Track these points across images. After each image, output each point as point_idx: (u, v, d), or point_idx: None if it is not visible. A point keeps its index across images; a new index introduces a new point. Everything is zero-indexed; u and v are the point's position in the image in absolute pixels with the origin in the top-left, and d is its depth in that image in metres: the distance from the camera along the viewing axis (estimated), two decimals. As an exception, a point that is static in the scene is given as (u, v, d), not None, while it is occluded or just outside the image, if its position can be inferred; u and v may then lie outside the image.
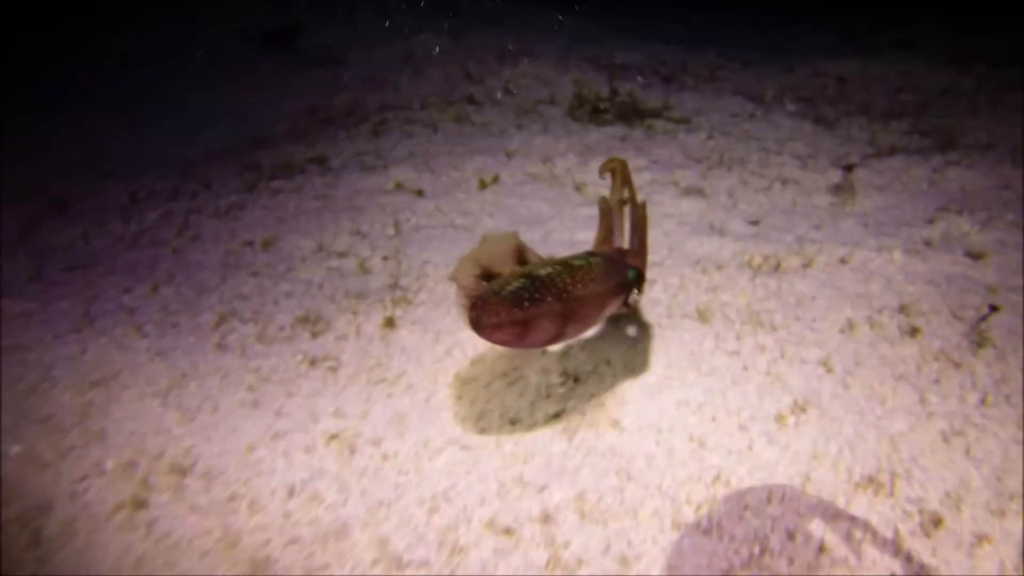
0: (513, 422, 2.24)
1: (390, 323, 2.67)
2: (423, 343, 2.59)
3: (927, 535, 1.91)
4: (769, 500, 2.01)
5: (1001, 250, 2.98)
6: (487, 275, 1.74)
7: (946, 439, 2.16)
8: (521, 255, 1.80)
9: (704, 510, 1.97)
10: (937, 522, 1.94)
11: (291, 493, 2.05)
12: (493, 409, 2.28)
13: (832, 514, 1.97)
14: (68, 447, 2.19)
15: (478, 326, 1.65)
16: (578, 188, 3.50)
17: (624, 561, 1.85)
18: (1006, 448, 2.12)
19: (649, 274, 2.73)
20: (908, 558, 1.88)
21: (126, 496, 2.04)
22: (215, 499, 2.04)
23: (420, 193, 3.41)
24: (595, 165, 3.64)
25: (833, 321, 2.66)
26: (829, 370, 2.46)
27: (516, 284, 1.68)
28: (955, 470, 2.07)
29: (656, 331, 2.61)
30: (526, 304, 1.64)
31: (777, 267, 2.97)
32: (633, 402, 2.30)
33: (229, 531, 1.95)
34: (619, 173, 2.07)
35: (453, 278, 1.75)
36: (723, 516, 1.97)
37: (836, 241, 3.10)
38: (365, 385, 2.43)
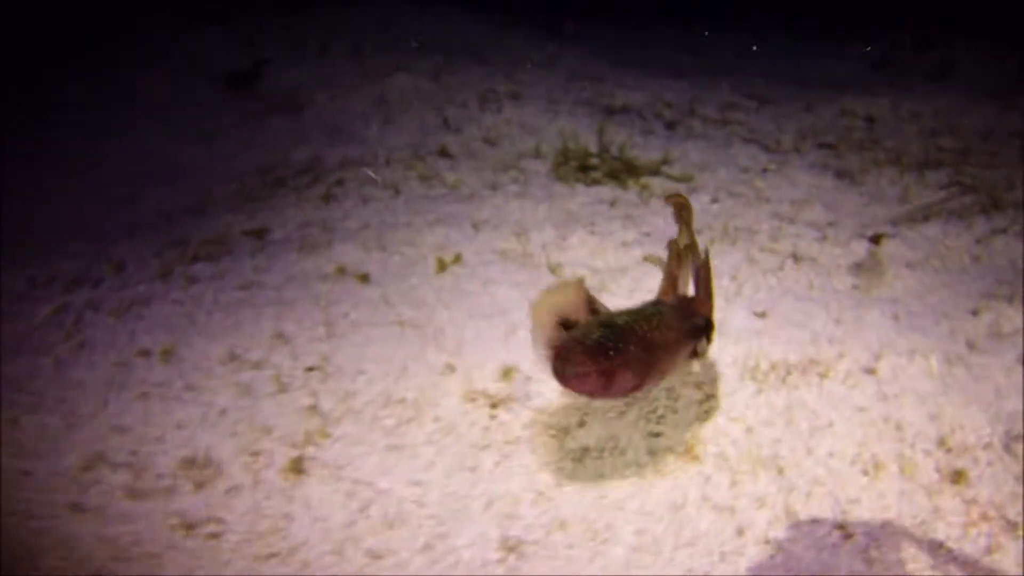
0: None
1: (297, 467, 2.14)
2: (334, 498, 2.05)
3: None
4: None
5: (1064, 355, 2.41)
6: (563, 324, 1.70)
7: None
8: (592, 304, 1.78)
9: None
10: None
11: None
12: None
13: None
14: None
15: (563, 376, 1.61)
16: (553, 270, 2.96)
17: None
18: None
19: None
20: None
21: None
22: None
23: (365, 279, 2.88)
24: (575, 240, 3.10)
25: (854, 459, 2.15)
26: (848, 536, 1.95)
27: (598, 333, 1.63)
28: None
29: (630, 473, 2.08)
30: (611, 353, 1.60)
31: (786, 377, 2.40)
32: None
33: None
34: (684, 210, 2.20)
35: (531, 330, 1.70)
36: None
37: (860, 341, 2.56)
38: (251, 562, 1.89)
